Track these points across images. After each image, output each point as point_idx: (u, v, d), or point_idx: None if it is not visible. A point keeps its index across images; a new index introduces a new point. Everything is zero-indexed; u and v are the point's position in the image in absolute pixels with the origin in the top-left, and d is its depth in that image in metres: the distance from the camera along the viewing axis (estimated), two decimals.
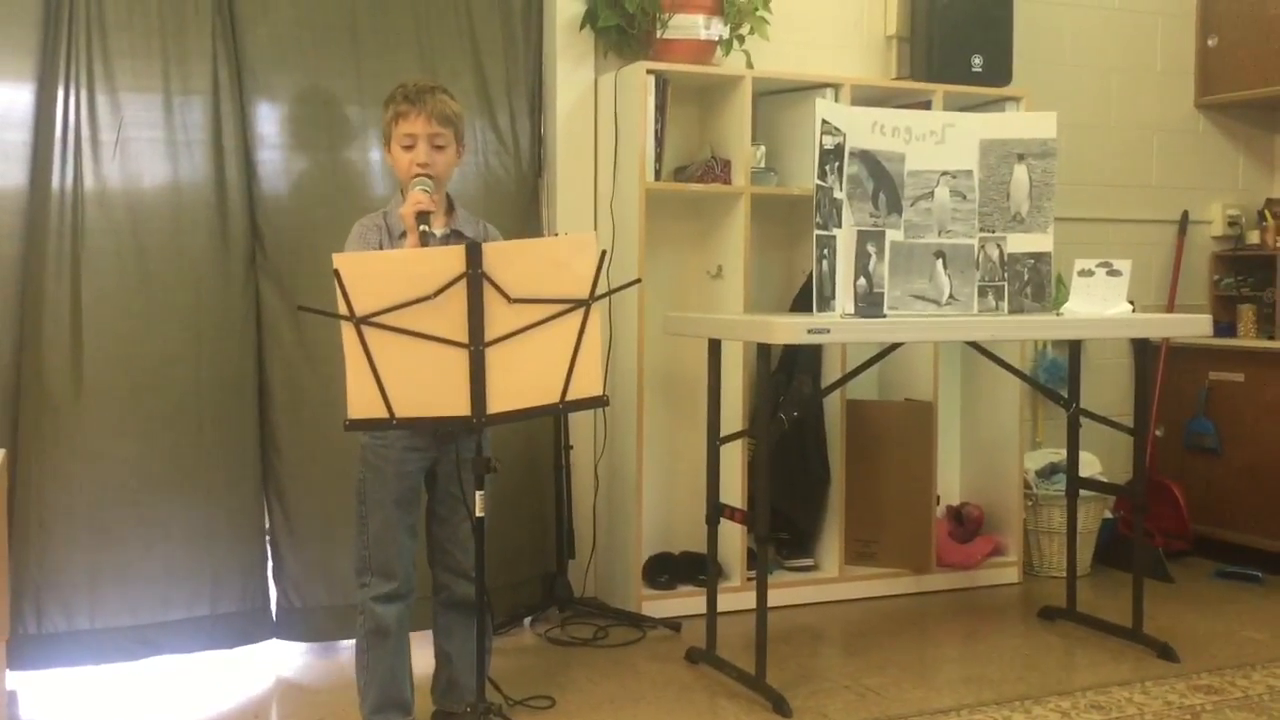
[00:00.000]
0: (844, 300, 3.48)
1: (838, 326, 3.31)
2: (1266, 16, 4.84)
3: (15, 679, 3.29)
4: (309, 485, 3.59)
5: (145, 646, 3.44)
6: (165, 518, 3.45)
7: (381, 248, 2.76)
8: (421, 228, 2.66)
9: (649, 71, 3.88)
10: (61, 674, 3.38)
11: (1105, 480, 4.47)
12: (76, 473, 3.36)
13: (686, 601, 3.93)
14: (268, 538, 3.63)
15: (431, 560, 2.94)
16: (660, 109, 3.96)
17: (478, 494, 2.55)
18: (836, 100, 4.03)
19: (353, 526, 2.89)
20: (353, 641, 2.95)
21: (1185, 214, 5.11)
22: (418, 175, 2.75)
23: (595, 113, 4.08)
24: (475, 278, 2.40)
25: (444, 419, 2.51)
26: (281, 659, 3.61)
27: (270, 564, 3.63)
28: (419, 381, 2.43)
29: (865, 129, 3.55)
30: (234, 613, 3.55)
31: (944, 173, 3.65)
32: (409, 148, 2.79)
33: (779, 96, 4.20)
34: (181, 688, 3.39)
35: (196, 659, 3.51)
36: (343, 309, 2.38)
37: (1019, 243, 3.70)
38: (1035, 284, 3.71)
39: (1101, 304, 3.65)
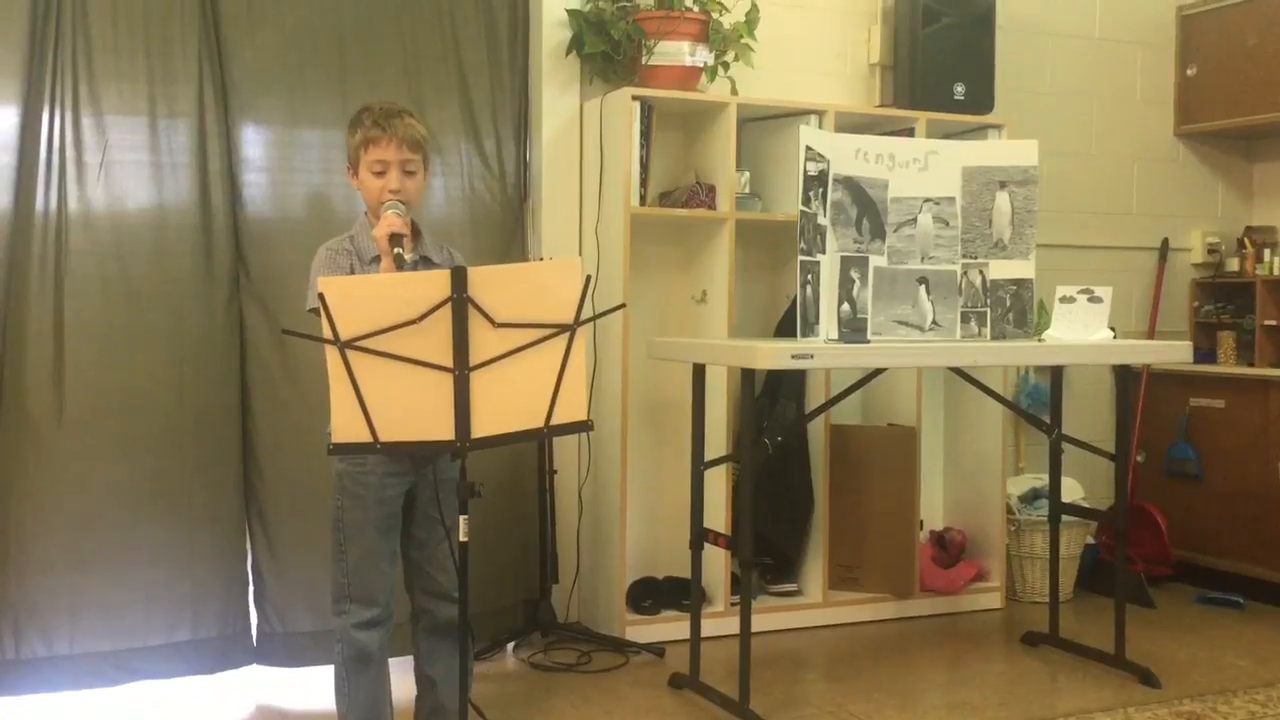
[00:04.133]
0: (828, 326, 3.49)
1: (821, 352, 3.32)
2: (1244, 47, 4.90)
3: None
4: (291, 509, 3.58)
5: (125, 672, 3.42)
6: (146, 541, 3.44)
7: (352, 271, 2.75)
8: (395, 250, 2.66)
9: (634, 97, 3.90)
10: (40, 700, 3.35)
11: (1087, 506, 4.49)
12: (57, 496, 3.35)
13: (670, 627, 3.92)
14: (249, 562, 3.61)
15: (409, 585, 2.90)
16: (645, 134, 3.97)
17: (461, 519, 2.54)
18: (820, 127, 4.06)
19: (330, 554, 2.87)
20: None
21: (1165, 241, 5.15)
22: (389, 200, 2.75)
23: (580, 138, 4.10)
24: (460, 302, 2.40)
25: (428, 443, 2.51)
26: (262, 684, 3.58)
27: (251, 588, 3.61)
28: (403, 406, 2.43)
29: (849, 155, 3.57)
30: (215, 638, 3.53)
31: (927, 199, 3.67)
32: (380, 173, 2.77)
33: (763, 123, 4.23)
34: (161, 714, 3.36)
35: (176, 684, 3.49)
36: (327, 333, 2.38)
37: (1001, 269, 3.72)
38: (1017, 310, 3.73)
39: (1083, 330, 3.67)
